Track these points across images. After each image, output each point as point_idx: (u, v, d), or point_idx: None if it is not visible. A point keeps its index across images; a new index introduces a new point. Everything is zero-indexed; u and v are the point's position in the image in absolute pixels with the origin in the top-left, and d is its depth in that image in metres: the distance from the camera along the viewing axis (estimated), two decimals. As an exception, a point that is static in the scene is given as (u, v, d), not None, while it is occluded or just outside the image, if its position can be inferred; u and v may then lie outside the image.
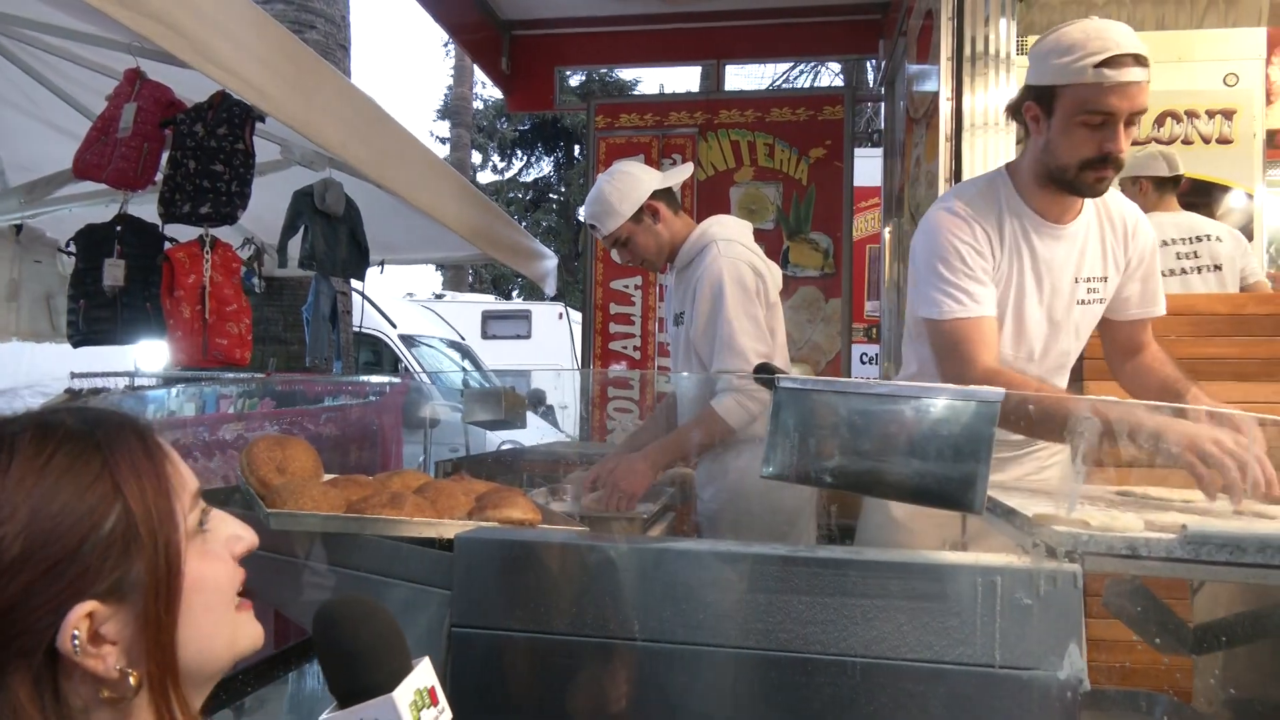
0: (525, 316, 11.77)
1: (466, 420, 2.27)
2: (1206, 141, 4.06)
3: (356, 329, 6.17)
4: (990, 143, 2.80)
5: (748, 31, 5.41)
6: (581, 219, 2.32)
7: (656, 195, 2.23)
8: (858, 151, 5.20)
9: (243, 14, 2.32)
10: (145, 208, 3.13)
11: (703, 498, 2.12)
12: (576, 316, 8.58)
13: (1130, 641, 1.61)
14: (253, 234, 4.75)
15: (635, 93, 17.79)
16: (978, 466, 0.99)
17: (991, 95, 2.82)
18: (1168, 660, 1.65)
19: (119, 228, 3.03)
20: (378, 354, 7.27)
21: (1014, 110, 1.69)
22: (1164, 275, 3.24)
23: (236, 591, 0.71)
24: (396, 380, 4.84)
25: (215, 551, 0.70)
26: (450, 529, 1.29)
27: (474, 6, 5.20)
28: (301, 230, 3.61)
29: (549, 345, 11.14)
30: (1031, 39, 4.21)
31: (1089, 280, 1.72)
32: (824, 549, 1.08)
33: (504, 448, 4.62)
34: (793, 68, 14.88)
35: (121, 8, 1.82)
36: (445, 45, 20.29)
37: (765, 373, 1.39)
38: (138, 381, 4.00)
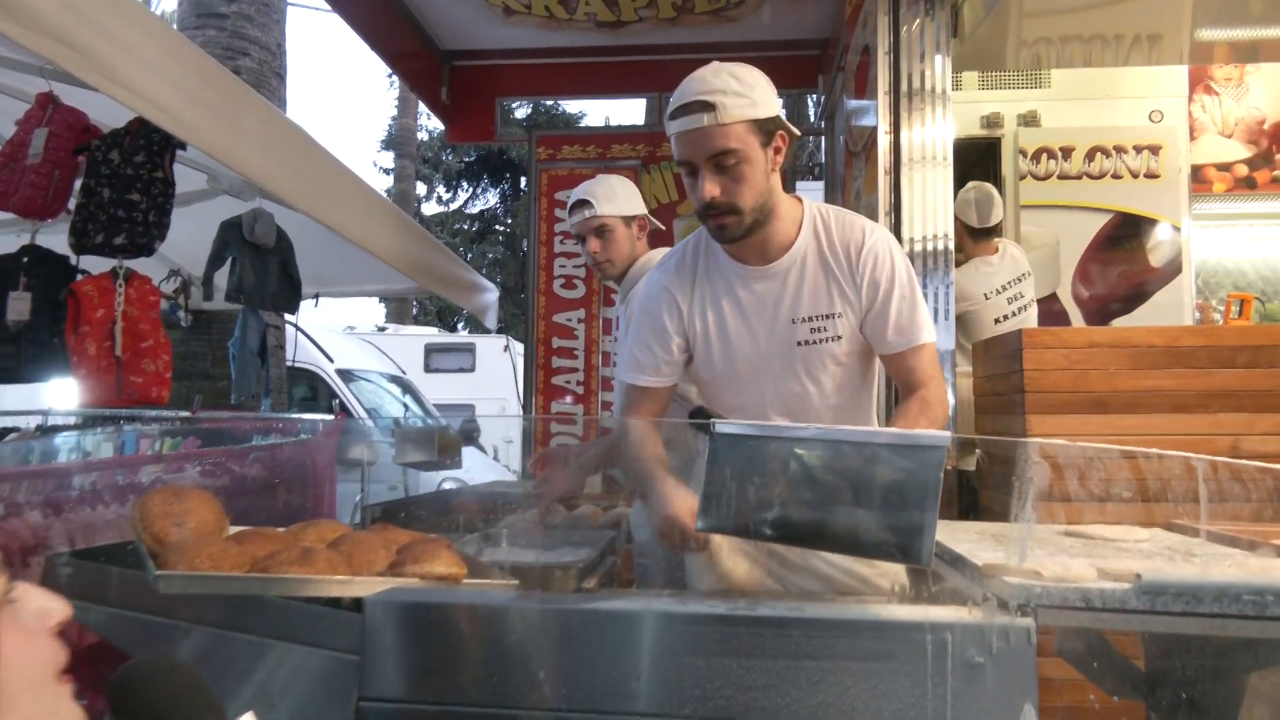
0: (469, 350, 11.67)
1: (398, 461, 2.15)
2: (1135, 176, 4.16)
3: (290, 364, 5.96)
4: (928, 176, 2.80)
5: (691, 65, 5.39)
6: (571, 217, 2.42)
7: (646, 218, 2.42)
8: (799, 185, 5.24)
9: (159, 38, 2.21)
10: (56, 238, 2.96)
11: (638, 539, 2.03)
12: (520, 349, 8.46)
13: (1081, 681, 1.56)
14: (179, 266, 4.55)
15: (580, 125, 17.85)
16: (924, 515, 0.93)
17: (929, 130, 2.83)
18: (1118, 701, 1.60)
19: (25, 259, 2.85)
20: (314, 390, 7.04)
21: None
22: (998, 321, 3.30)
23: (57, 671, 0.60)
24: (330, 418, 4.66)
25: (27, 626, 0.60)
26: (362, 587, 1.18)
27: (414, 37, 5.12)
28: (229, 262, 3.46)
29: (493, 379, 11.00)
30: (969, 75, 4.31)
31: (810, 319, 1.61)
32: (766, 604, 1.00)
33: (445, 486, 4.47)
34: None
35: (18, 25, 1.70)
36: (389, 75, 20.16)
37: (701, 416, 1.32)
38: (51, 421, 3.77)
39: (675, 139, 1.49)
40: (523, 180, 20.81)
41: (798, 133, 1.60)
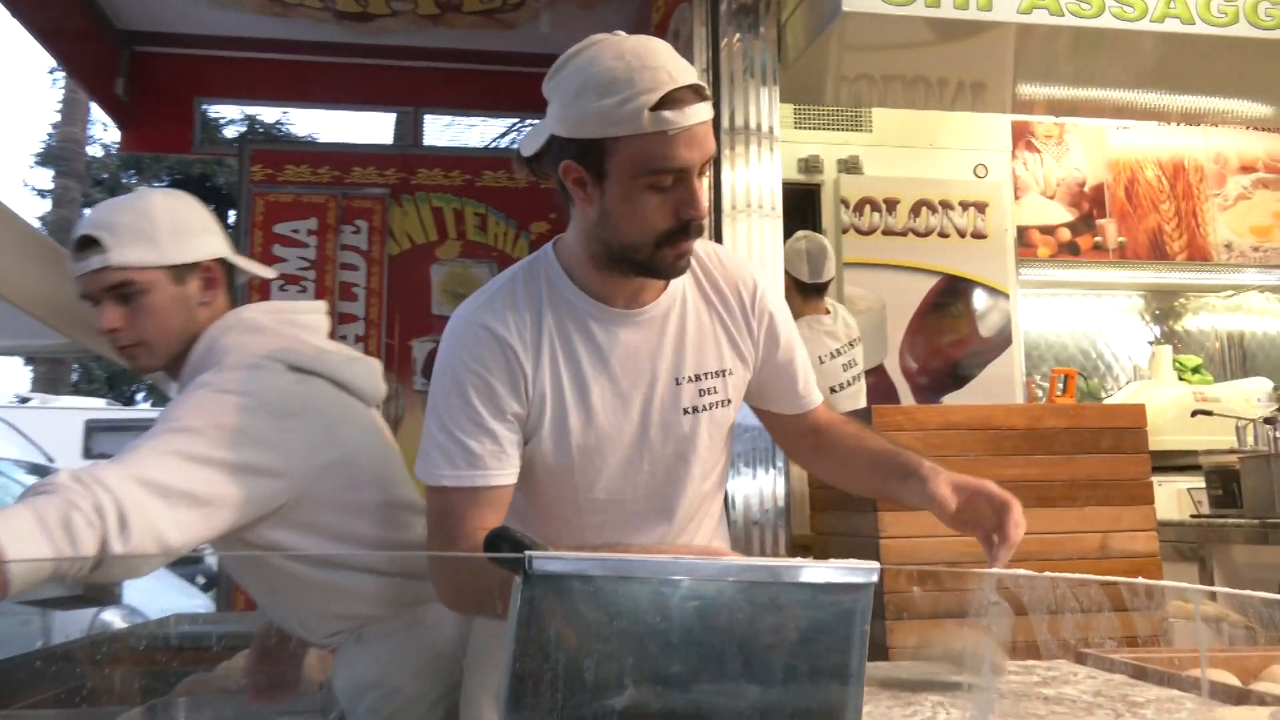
0: (150, 428, 10.67)
1: (22, 600, 1.76)
2: (962, 235, 4.52)
3: None
4: (756, 227, 2.83)
5: (454, 76, 5.34)
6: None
7: (224, 265, 1.72)
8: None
9: None
10: None
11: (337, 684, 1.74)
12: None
13: None
14: None
15: (305, 138, 17.21)
16: (846, 686, 0.80)
17: (754, 172, 2.88)
18: None
19: None
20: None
21: (533, 164, 1.46)
22: (834, 391, 3.46)
23: None
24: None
25: None
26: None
27: (77, 6, 4.63)
28: None
29: None
30: (784, 109, 4.52)
31: (697, 379, 1.51)
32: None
33: (104, 620, 3.90)
34: (518, 124, 14.90)
35: None
36: (52, 72, 18.46)
37: (507, 542, 0.95)
38: None
39: (669, 138, 1.30)
40: (231, 213, 19.70)
41: None
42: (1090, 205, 4.96)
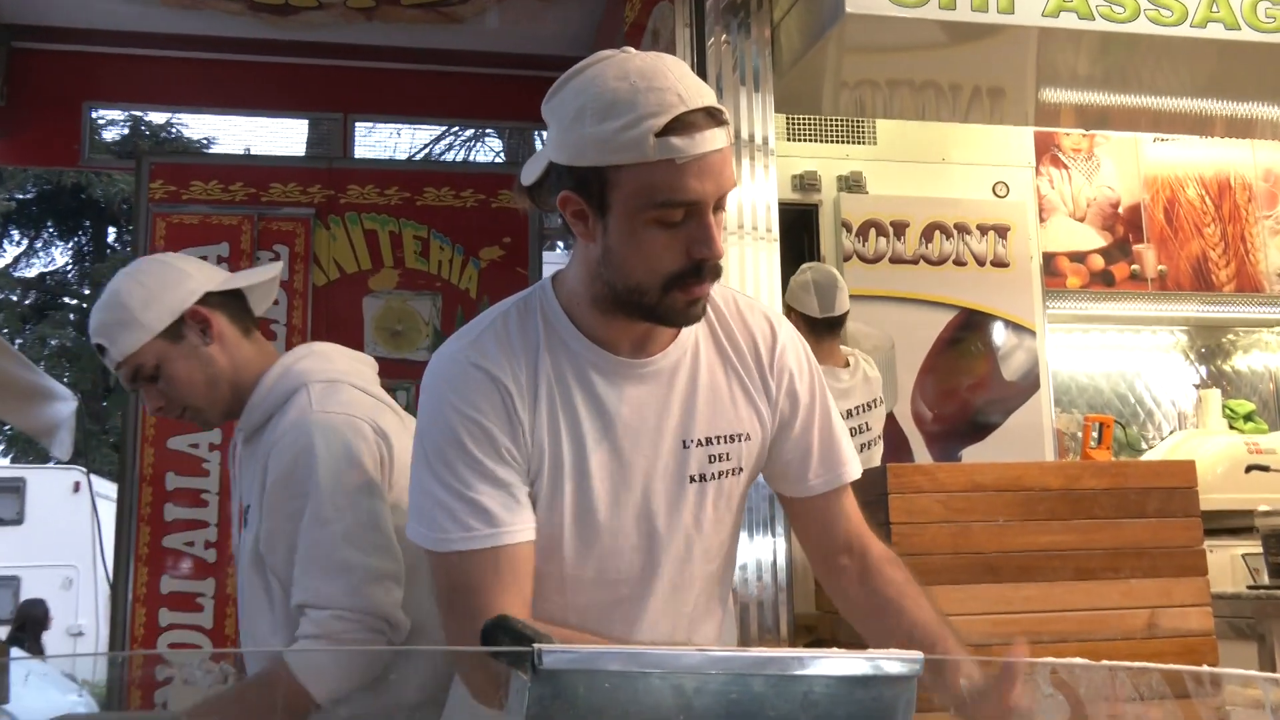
0: (14, 489, 11.06)
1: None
2: (981, 264, 4.59)
3: None
4: (750, 253, 2.88)
5: (389, 77, 5.38)
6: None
7: (212, 301, 1.99)
8: (548, 256, 5.26)
9: None
10: None
11: None
12: (108, 489, 7.73)
13: None
14: None
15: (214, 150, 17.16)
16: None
17: (747, 192, 2.92)
18: None
19: None
20: None
21: (535, 194, 1.50)
22: None
23: None
24: None
25: None
26: None
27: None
28: None
29: (56, 534, 10.41)
30: (789, 117, 4.59)
31: (708, 443, 1.53)
32: None
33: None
34: (446, 134, 15.15)
35: None
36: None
37: (507, 633, 0.97)
38: None
39: (679, 167, 1.32)
40: (111, 231, 19.54)
41: None
42: (1125, 229, 5.06)
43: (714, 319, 1.57)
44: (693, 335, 1.54)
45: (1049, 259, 4.88)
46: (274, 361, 2.00)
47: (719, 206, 1.40)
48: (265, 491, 1.85)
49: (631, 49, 1.42)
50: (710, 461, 1.52)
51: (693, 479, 1.51)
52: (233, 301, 2.03)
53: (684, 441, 1.51)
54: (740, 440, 1.55)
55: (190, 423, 2.07)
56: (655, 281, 1.39)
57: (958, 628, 1.58)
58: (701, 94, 1.37)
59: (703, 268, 1.39)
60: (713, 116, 1.36)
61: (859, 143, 4.70)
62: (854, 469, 1.63)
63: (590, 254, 1.44)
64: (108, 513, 5.56)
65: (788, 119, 4.56)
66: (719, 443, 1.53)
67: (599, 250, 1.42)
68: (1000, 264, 4.63)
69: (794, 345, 1.62)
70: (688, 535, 1.53)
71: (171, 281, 1.96)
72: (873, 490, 2.46)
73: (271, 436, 1.89)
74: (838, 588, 1.71)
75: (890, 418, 4.41)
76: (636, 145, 1.32)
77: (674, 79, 1.35)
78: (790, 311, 3.48)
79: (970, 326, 4.58)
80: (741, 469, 1.55)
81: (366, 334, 4.82)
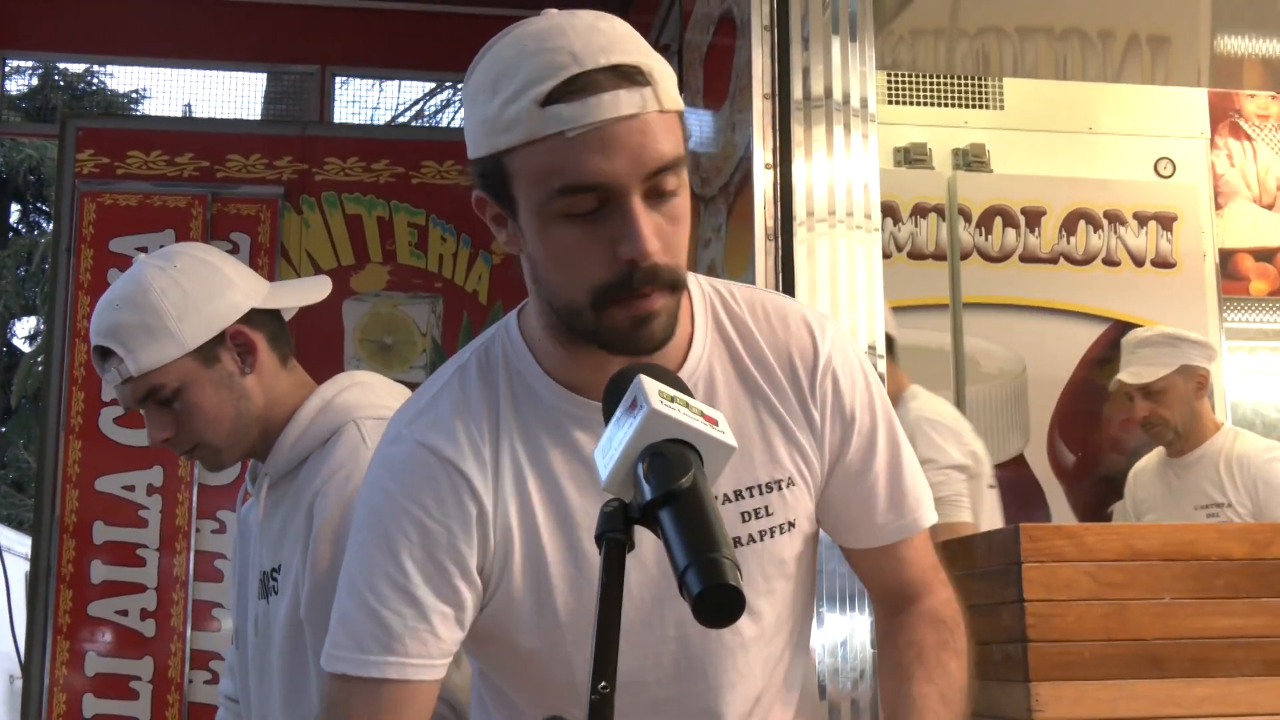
0: None
1: None
2: (1139, 262, 4.59)
3: None
4: (842, 245, 2.90)
5: (375, 21, 5.45)
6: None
7: (255, 320, 2.08)
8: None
9: None
10: None
11: None
12: (20, 543, 7.88)
13: None
14: None
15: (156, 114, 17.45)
16: None
17: (840, 166, 2.96)
18: None
19: None
20: None
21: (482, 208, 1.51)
22: None
23: None
24: None
25: None
26: None
27: None
28: None
29: None
30: (888, 76, 4.61)
31: (739, 496, 1.52)
32: None
33: None
34: (444, 90, 15.11)
35: None
36: None
37: None
38: None
39: (570, 142, 1.33)
40: (15, 210, 19.83)
41: None
42: (1326, 218, 5.04)
43: (733, 335, 1.56)
44: (705, 360, 1.53)
45: (1226, 257, 4.87)
46: (309, 393, 2.09)
47: (660, 191, 1.37)
48: (312, 539, 1.90)
49: (554, 10, 1.41)
50: (745, 520, 1.51)
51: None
52: (273, 322, 2.11)
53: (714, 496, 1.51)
54: (781, 488, 1.53)
55: (186, 456, 2.13)
56: (582, 297, 1.38)
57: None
58: (607, 50, 1.34)
59: (633, 275, 1.35)
60: (623, 75, 1.33)
61: (981, 108, 4.72)
62: (927, 512, 1.62)
63: (528, 272, 1.47)
64: (17, 572, 5.66)
65: (889, 78, 4.58)
66: (751, 495, 1.52)
67: (528, 264, 1.45)
68: (1163, 264, 4.62)
69: (843, 353, 1.59)
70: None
71: (216, 288, 2.03)
72: (1002, 559, 2.49)
73: (314, 479, 1.96)
74: (877, 637, 1.77)
75: (1019, 461, 4.42)
76: (518, 120, 1.32)
77: (571, 36, 1.34)
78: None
79: (1114, 346, 4.55)
80: (793, 522, 1.55)
81: (347, 348, 4.89)
